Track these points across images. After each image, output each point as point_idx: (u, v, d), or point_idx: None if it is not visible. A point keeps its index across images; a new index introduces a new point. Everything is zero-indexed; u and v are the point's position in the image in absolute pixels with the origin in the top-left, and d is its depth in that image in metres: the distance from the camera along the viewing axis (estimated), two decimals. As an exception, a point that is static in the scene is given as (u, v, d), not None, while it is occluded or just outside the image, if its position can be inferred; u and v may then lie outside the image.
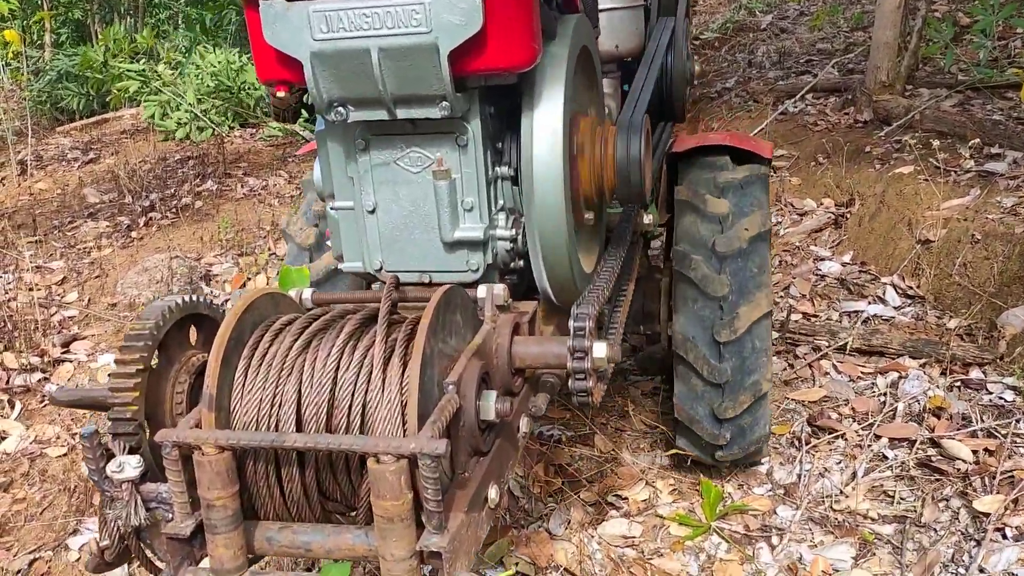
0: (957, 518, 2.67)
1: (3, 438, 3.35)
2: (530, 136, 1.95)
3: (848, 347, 3.52)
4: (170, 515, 1.54)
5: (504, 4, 1.72)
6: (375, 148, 1.97)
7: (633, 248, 2.72)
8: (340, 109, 1.86)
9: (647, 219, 2.71)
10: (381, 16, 1.71)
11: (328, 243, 2.49)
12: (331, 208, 2.10)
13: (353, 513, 1.63)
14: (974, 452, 2.88)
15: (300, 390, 1.56)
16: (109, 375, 1.61)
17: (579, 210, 2.18)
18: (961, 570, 2.50)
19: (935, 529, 2.65)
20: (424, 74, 1.75)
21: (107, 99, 9.57)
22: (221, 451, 1.46)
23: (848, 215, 4.54)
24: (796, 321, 3.76)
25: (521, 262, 2.08)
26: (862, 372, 3.42)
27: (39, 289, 4.60)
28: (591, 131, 2.14)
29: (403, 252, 2.03)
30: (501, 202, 2.07)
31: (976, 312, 3.51)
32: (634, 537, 2.73)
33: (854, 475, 2.91)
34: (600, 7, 2.74)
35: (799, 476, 2.94)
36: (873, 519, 2.73)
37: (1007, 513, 2.62)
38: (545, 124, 1.94)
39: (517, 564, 2.70)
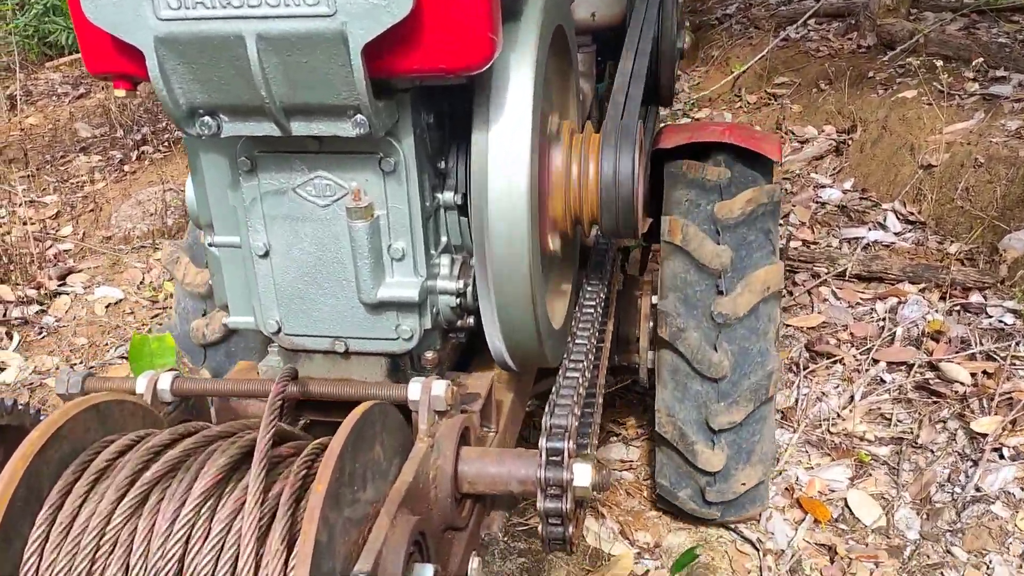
0: (954, 439, 2.69)
1: (2, 369, 3.35)
2: (484, 156, 1.43)
3: (847, 273, 3.50)
4: None
5: None
6: (265, 171, 1.45)
7: (612, 270, 2.25)
8: (207, 120, 1.33)
9: None
10: None
11: None
12: (210, 244, 1.58)
13: None
14: (972, 375, 2.88)
15: None
16: None
17: (545, 243, 1.69)
18: (957, 489, 2.52)
19: (932, 450, 2.67)
20: (327, 75, 1.24)
21: (96, 33, 9.37)
22: None
23: (850, 142, 4.48)
24: (795, 248, 3.73)
25: (471, 319, 1.60)
26: (861, 298, 3.41)
27: (34, 223, 4.57)
28: (567, 141, 1.65)
29: (307, 311, 1.51)
30: (444, 240, 1.56)
31: (977, 236, 3.48)
32: (631, 460, 2.74)
33: (852, 399, 2.92)
34: None
35: (796, 401, 2.95)
36: (870, 441, 2.75)
37: (1004, 434, 2.63)
38: (505, 140, 1.42)
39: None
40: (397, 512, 1.13)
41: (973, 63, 4.41)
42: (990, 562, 2.30)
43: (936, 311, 3.21)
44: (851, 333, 3.22)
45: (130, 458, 1.13)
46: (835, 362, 3.09)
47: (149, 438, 1.17)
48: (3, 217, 4.70)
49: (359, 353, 1.54)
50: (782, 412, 2.92)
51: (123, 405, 1.27)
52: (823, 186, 4.24)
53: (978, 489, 2.49)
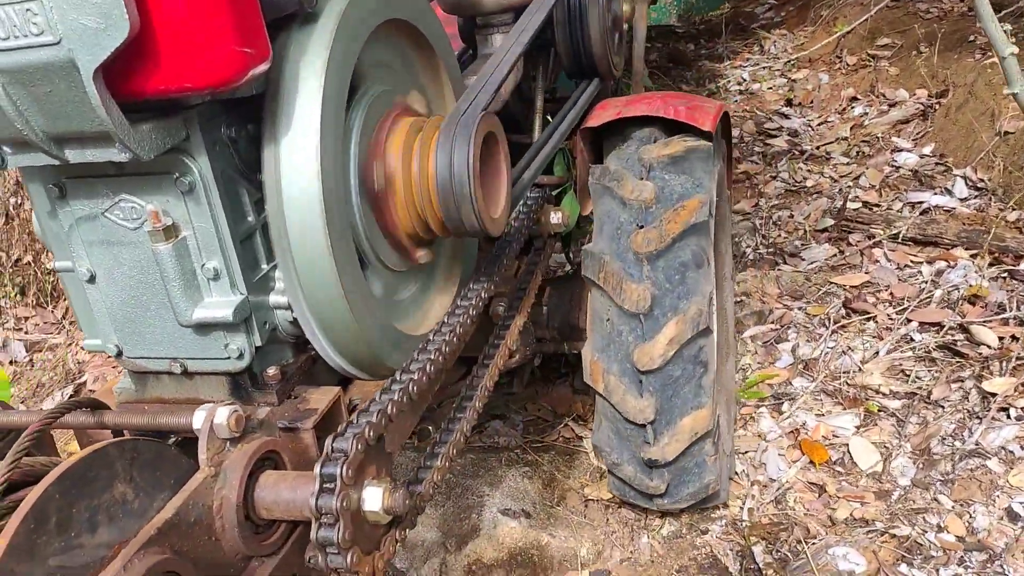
0: (967, 398, 2.74)
1: None
2: (275, 167, 1.41)
3: (901, 236, 3.52)
4: None
5: None
6: (75, 196, 1.44)
7: (538, 257, 2.27)
8: None
9: (555, 217, 2.23)
10: None
11: None
12: (54, 268, 1.58)
13: None
14: (1000, 339, 2.90)
15: None
16: None
17: (402, 249, 1.68)
18: (958, 443, 2.59)
19: (943, 406, 2.74)
20: (74, 103, 1.20)
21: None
22: None
23: (937, 106, 4.41)
24: (855, 210, 3.77)
25: (301, 337, 1.57)
26: (911, 260, 3.44)
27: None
28: (405, 140, 1.61)
29: (141, 334, 1.51)
30: (262, 255, 1.53)
31: (1042, 205, 3.43)
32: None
33: (876, 354, 3.00)
34: None
35: (822, 353, 3.05)
36: (884, 394, 2.83)
37: (1015, 395, 2.67)
38: (293, 146, 1.40)
39: (540, 409, 2.98)
40: (139, 552, 1.09)
41: (1076, 29, 4.23)
42: (973, 512, 2.38)
43: (982, 276, 3.21)
44: (891, 293, 3.27)
45: None
46: (869, 319, 3.16)
47: None
48: None
49: (200, 373, 1.53)
50: (805, 363, 3.03)
51: None
52: (901, 150, 4.21)
53: (977, 444, 2.56)
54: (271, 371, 1.51)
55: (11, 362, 3.40)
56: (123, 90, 1.21)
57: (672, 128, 2.22)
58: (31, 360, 3.43)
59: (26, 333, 3.58)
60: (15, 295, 3.75)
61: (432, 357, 1.59)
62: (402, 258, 1.70)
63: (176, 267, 1.41)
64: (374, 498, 1.31)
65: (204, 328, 1.47)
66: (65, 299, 3.74)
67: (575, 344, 2.45)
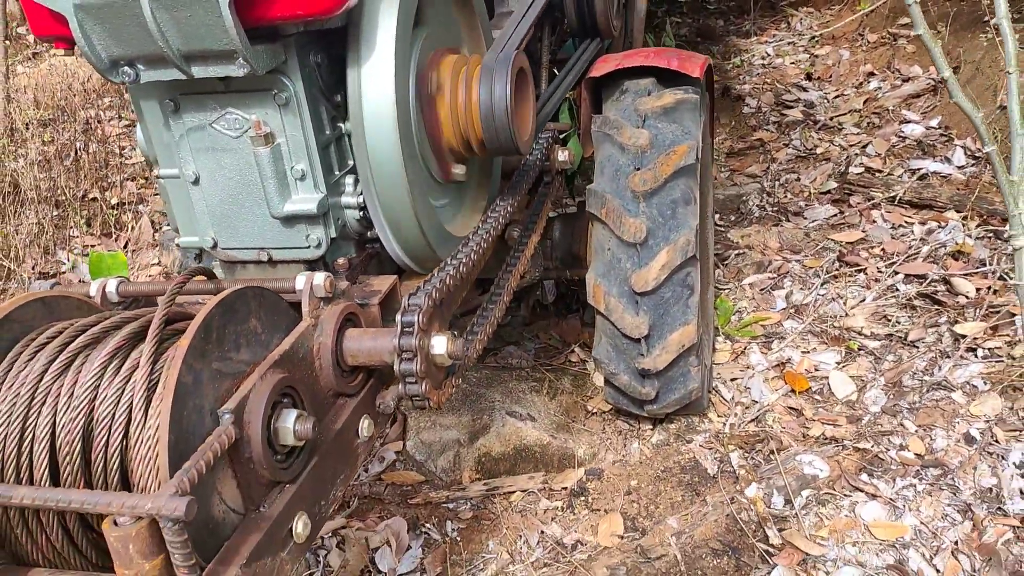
0: (940, 340, 3.00)
1: (176, 213, 4.23)
2: (357, 86, 1.72)
3: (898, 199, 3.77)
4: None
5: None
6: (187, 110, 1.72)
7: (547, 189, 2.54)
8: (127, 69, 1.61)
9: (562, 156, 2.47)
10: None
11: None
12: (157, 176, 1.88)
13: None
14: (978, 290, 3.15)
15: (55, 424, 1.32)
16: None
17: (444, 163, 1.97)
18: (927, 378, 2.86)
19: (917, 347, 3.00)
20: (208, 25, 1.49)
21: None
22: None
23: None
24: (858, 174, 4.02)
25: (371, 232, 1.89)
26: (906, 221, 3.69)
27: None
28: (453, 72, 1.90)
29: (235, 228, 1.80)
30: (350, 163, 1.84)
31: (1030, 174, 3.65)
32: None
33: (863, 301, 3.26)
34: None
35: (814, 299, 3.33)
36: (866, 336, 3.10)
37: (984, 337, 2.93)
38: (372, 73, 1.70)
39: (551, 339, 3.29)
40: (269, 370, 1.38)
41: (1085, 10, 4.41)
42: (934, 435, 2.65)
43: (969, 235, 3.46)
44: (883, 249, 3.53)
45: (59, 337, 1.39)
46: (860, 271, 3.43)
47: (80, 320, 1.46)
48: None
49: (282, 261, 1.82)
50: (796, 307, 3.31)
51: (67, 300, 1.54)
52: (909, 121, 4.43)
53: (945, 379, 2.83)
54: (340, 261, 1.82)
55: (80, 281, 3.78)
56: (247, 16, 1.50)
57: (665, 79, 2.50)
58: (97, 281, 3.81)
59: (92, 259, 3.96)
60: (83, 225, 4.12)
61: (474, 249, 1.91)
62: (444, 171, 2.00)
63: (272, 168, 1.70)
64: (440, 344, 1.60)
65: (291, 220, 1.77)
66: (126, 230, 4.11)
67: (577, 271, 2.76)
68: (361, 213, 1.84)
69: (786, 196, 4.07)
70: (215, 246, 1.85)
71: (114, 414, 1.29)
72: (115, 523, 1.13)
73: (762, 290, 3.45)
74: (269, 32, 1.57)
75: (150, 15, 1.48)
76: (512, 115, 1.86)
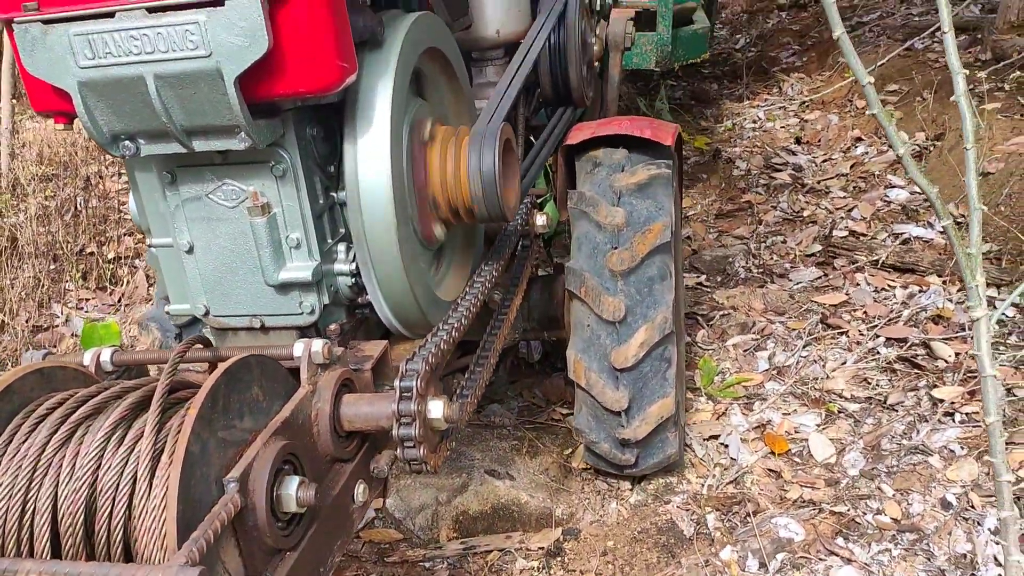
0: (919, 404, 3.03)
1: (171, 268, 4.30)
2: (354, 160, 1.77)
3: (881, 262, 3.82)
4: None
5: (295, 22, 1.52)
6: (184, 182, 1.77)
7: (527, 253, 2.56)
8: (127, 143, 1.65)
9: (540, 220, 2.49)
10: (152, 39, 1.50)
11: None
12: (149, 245, 1.92)
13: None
14: (957, 354, 3.18)
15: (56, 496, 1.32)
16: None
17: (429, 230, 2.01)
18: (905, 441, 2.88)
19: (896, 410, 3.02)
20: (212, 102, 1.55)
21: None
22: None
23: (933, 148, 4.71)
24: (843, 238, 4.08)
25: (367, 295, 1.92)
26: (888, 284, 3.73)
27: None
28: (442, 143, 1.97)
29: (228, 295, 1.83)
30: (342, 231, 1.89)
31: (1011, 238, 3.71)
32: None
33: (844, 363, 3.29)
34: None
35: (796, 361, 3.36)
36: (846, 398, 3.13)
37: (961, 402, 2.95)
38: (368, 146, 1.76)
39: (534, 397, 3.32)
40: (271, 438, 1.40)
41: (1064, 81, 4.52)
42: (911, 500, 2.66)
43: (950, 300, 3.50)
44: (865, 312, 3.57)
45: (62, 407, 1.41)
46: (842, 334, 3.46)
47: (80, 391, 1.46)
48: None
49: (274, 328, 1.85)
50: (778, 368, 3.34)
51: (64, 370, 1.55)
52: (894, 186, 4.51)
53: (922, 443, 2.84)
54: (332, 326, 1.84)
55: (72, 335, 3.83)
56: (251, 93, 1.55)
57: (637, 146, 2.57)
58: (89, 335, 3.86)
59: (86, 312, 4.02)
60: (78, 279, 4.19)
61: (464, 313, 1.95)
62: (429, 237, 2.06)
63: (268, 237, 1.75)
64: (437, 408, 1.63)
65: (285, 288, 1.81)
66: (121, 284, 4.17)
67: (555, 332, 2.81)
68: (353, 280, 1.88)
69: (772, 258, 4.12)
70: (207, 313, 1.87)
71: (118, 484, 1.29)
72: None
73: (745, 351, 3.48)
74: (269, 107, 1.63)
75: (155, 92, 1.54)
76: (500, 184, 1.92)
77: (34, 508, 1.31)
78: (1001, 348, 3.20)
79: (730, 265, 4.09)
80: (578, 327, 2.54)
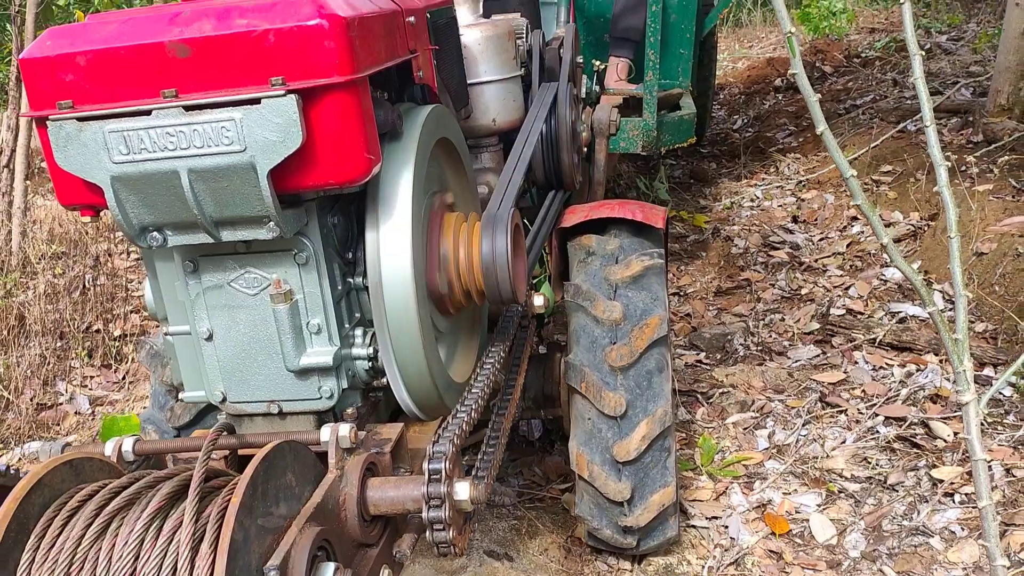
0: (919, 484, 3.03)
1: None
2: (376, 248, 1.81)
3: (879, 341, 3.86)
4: None
5: (327, 119, 1.58)
6: (206, 270, 1.79)
7: (525, 333, 2.62)
8: (155, 234, 1.68)
9: (538, 301, 2.50)
10: (188, 135, 1.54)
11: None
12: (165, 333, 1.93)
13: None
14: (955, 433, 3.20)
15: None
16: None
17: (446, 312, 2.07)
18: (906, 522, 2.87)
19: (897, 490, 3.02)
20: (244, 195, 1.59)
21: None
22: None
23: (927, 228, 4.79)
24: (840, 316, 4.13)
25: (385, 379, 1.93)
26: (886, 363, 3.76)
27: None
28: (455, 229, 2.04)
29: (246, 381, 1.84)
30: (357, 316, 1.92)
31: (1006, 318, 3.75)
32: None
33: (843, 442, 3.30)
34: (471, 81, 2.59)
35: (796, 440, 3.37)
36: (846, 478, 3.13)
37: (961, 482, 2.95)
38: (391, 234, 1.80)
39: (535, 475, 3.32)
40: (305, 524, 1.41)
41: (1053, 162, 4.63)
42: (913, 582, 2.65)
43: (947, 379, 3.52)
44: (864, 391, 3.59)
45: (95, 499, 1.41)
46: (841, 412, 3.48)
47: (111, 482, 1.47)
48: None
49: (291, 413, 1.86)
50: (778, 447, 3.35)
51: (92, 461, 1.56)
52: (890, 265, 4.57)
53: (923, 524, 2.83)
54: (349, 411, 1.87)
55: (76, 413, 3.85)
56: (281, 185, 1.60)
57: (627, 226, 2.66)
58: (93, 412, 3.88)
59: (90, 390, 4.05)
60: (84, 356, 4.23)
61: (479, 394, 2.00)
62: (445, 318, 2.11)
63: (289, 323, 1.77)
64: (464, 490, 1.65)
65: (305, 373, 1.82)
66: (126, 362, 4.21)
67: (551, 411, 2.86)
68: (370, 364, 1.90)
69: (771, 336, 4.16)
70: (224, 400, 1.88)
71: (159, 575, 1.30)
72: None
73: (745, 429, 3.49)
74: (294, 197, 1.67)
75: (188, 186, 1.57)
76: (512, 268, 1.98)
77: None
78: (999, 428, 3.22)
79: (729, 342, 4.13)
80: (579, 420, 2.58)
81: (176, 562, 1.30)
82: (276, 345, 1.79)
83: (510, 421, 2.34)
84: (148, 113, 1.56)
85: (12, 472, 1.53)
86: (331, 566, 1.42)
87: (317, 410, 1.86)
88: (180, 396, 1.97)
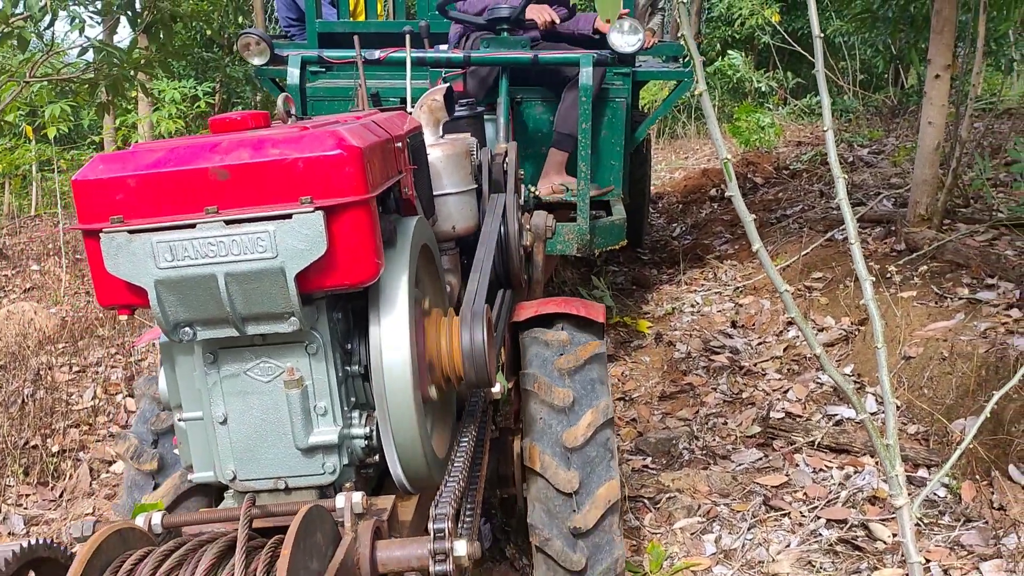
0: (862, 586, 3.09)
1: (115, 461, 4.25)
2: (379, 340, 2.05)
3: (817, 443, 3.98)
4: None
5: (346, 231, 1.86)
6: (224, 361, 2.00)
7: (486, 416, 2.84)
8: (187, 329, 1.89)
9: (495, 389, 2.69)
10: (227, 244, 1.79)
11: (179, 463, 2.54)
12: (179, 419, 2.11)
13: None
14: (894, 535, 3.28)
15: None
16: None
17: (427, 395, 2.28)
18: (851, 626, 2.92)
19: (841, 594, 3.08)
20: (272, 294, 1.83)
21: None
22: None
23: (857, 332, 4.99)
24: (779, 419, 4.25)
25: (376, 457, 2.15)
26: (825, 465, 3.87)
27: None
28: (436, 324, 2.33)
29: (256, 460, 2.03)
30: (353, 399, 2.14)
31: (935, 420, 3.90)
32: None
33: (788, 546, 3.36)
34: (436, 193, 2.90)
35: (742, 544, 3.42)
36: (792, 582, 3.18)
37: (901, 584, 3.03)
38: (392, 327, 2.05)
39: (485, 588, 3.30)
40: None
41: (970, 273, 4.90)
42: None
43: (884, 480, 3.63)
44: (805, 493, 3.67)
45: (149, 561, 1.63)
46: (784, 515, 3.55)
47: (157, 548, 1.69)
48: (144, 348, 5.78)
49: (296, 488, 2.07)
50: (725, 552, 3.39)
51: (134, 531, 1.80)
52: (824, 369, 4.73)
53: (868, 627, 2.89)
54: (347, 485, 1.98)
55: (10, 533, 3.72)
56: (304, 286, 1.86)
57: (572, 321, 2.96)
58: (27, 532, 3.75)
59: (25, 508, 3.93)
60: (20, 473, 4.12)
61: (462, 467, 2.29)
62: (426, 402, 2.32)
63: (300, 406, 1.98)
64: (461, 547, 1.90)
65: (310, 451, 2.03)
66: (63, 478, 4.11)
67: (506, 489, 3.08)
68: (366, 443, 2.11)
69: (714, 439, 4.25)
70: (234, 479, 2.06)
71: None
72: None
73: (692, 534, 3.53)
74: (310, 297, 1.94)
75: (224, 288, 1.81)
76: (489, 357, 2.27)
77: None
78: (935, 528, 3.32)
79: (674, 447, 4.20)
80: (533, 421, 2.82)
81: None
82: (287, 426, 2.01)
83: (481, 495, 2.57)
84: (192, 227, 1.81)
85: (55, 545, 1.70)
86: None
87: (320, 485, 2.06)
88: (190, 477, 2.15)
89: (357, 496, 1.83)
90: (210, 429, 2.04)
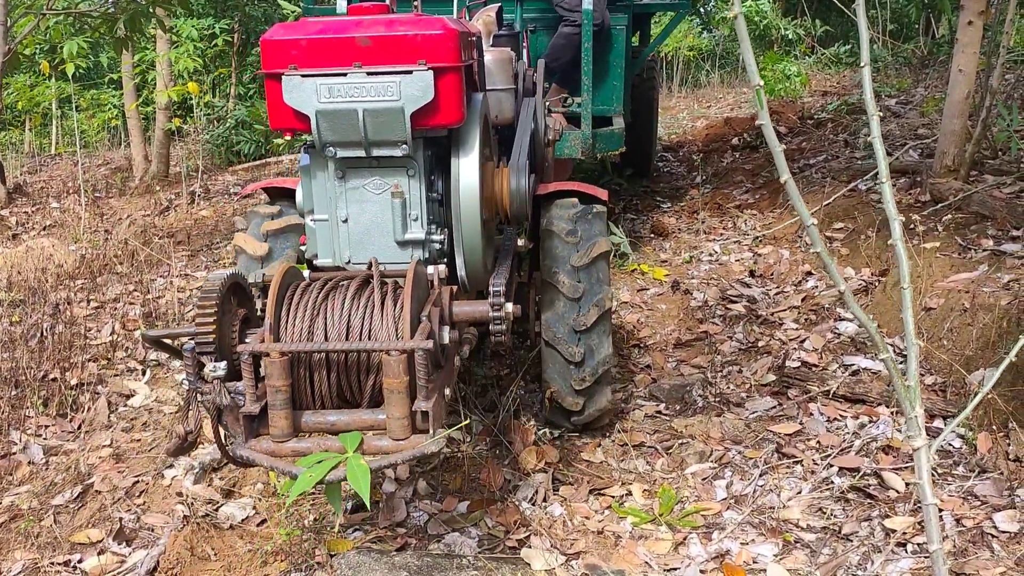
0: (873, 534, 3.08)
1: (133, 395, 4.29)
2: (458, 173, 2.89)
3: (832, 393, 3.95)
4: (242, 401, 2.39)
5: (446, 86, 2.68)
6: (350, 177, 2.85)
7: (513, 259, 3.53)
8: (331, 148, 2.73)
9: (520, 242, 3.51)
10: (367, 88, 2.64)
11: (281, 254, 3.33)
12: (310, 220, 2.93)
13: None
14: (907, 484, 3.27)
15: (326, 323, 2.47)
16: (194, 316, 2.54)
17: (489, 221, 3.06)
18: (861, 572, 2.92)
19: (851, 540, 3.08)
20: (393, 127, 2.67)
21: (269, 146, 11.00)
22: (282, 356, 2.36)
23: (878, 283, 4.93)
24: (795, 368, 4.22)
25: (444, 259, 2.94)
26: (840, 414, 3.84)
27: (184, 291, 5.65)
28: (491, 171, 3.15)
29: (366, 249, 2.88)
30: (432, 216, 2.93)
31: (954, 371, 3.86)
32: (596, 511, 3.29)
33: (799, 492, 3.36)
34: (487, 88, 3.55)
35: (753, 490, 3.42)
36: (802, 528, 3.18)
37: (912, 532, 3.02)
38: (467, 164, 2.90)
39: (493, 528, 3.32)
40: (431, 306, 2.55)
41: (997, 222, 4.81)
42: (867, 631, 2.69)
43: (899, 430, 3.61)
44: (819, 442, 3.66)
45: (316, 283, 2.59)
46: (796, 463, 3.54)
47: (318, 278, 2.65)
48: (163, 284, 5.81)
49: (391, 271, 2.78)
50: (736, 497, 3.39)
51: (297, 270, 2.69)
52: (843, 319, 4.69)
53: (878, 575, 2.88)
54: (430, 270, 2.70)
55: (29, 463, 3.78)
56: (414, 124, 2.69)
57: (581, 196, 3.60)
58: (47, 462, 3.81)
59: (44, 439, 3.98)
60: (40, 405, 4.17)
61: (504, 271, 3.19)
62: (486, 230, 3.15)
63: (400, 212, 2.83)
64: (510, 307, 2.86)
65: (404, 244, 2.88)
66: (81, 411, 4.16)
67: (522, 324, 3.77)
68: (439, 246, 2.91)
69: (728, 387, 4.24)
70: (348, 262, 2.91)
71: (363, 314, 2.49)
72: (388, 354, 2.32)
73: (703, 480, 3.53)
74: (415, 132, 2.72)
75: (361, 119, 2.65)
76: (528, 200, 3.23)
77: (313, 329, 2.48)
78: (949, 479, 3.30)
79: (688, 394, 4.19)
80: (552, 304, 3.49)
81: (372, 308, 2.50)
82: (390, 225, 2.84)
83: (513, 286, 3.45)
84: (344, 75, 2.64)
85: (244, 278, 2.67)
86: (447, 327, 2.59)
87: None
88: (315, 262, 2.94)
89: (442, 268, 2.67)
90: (334, 227, 2.88)
